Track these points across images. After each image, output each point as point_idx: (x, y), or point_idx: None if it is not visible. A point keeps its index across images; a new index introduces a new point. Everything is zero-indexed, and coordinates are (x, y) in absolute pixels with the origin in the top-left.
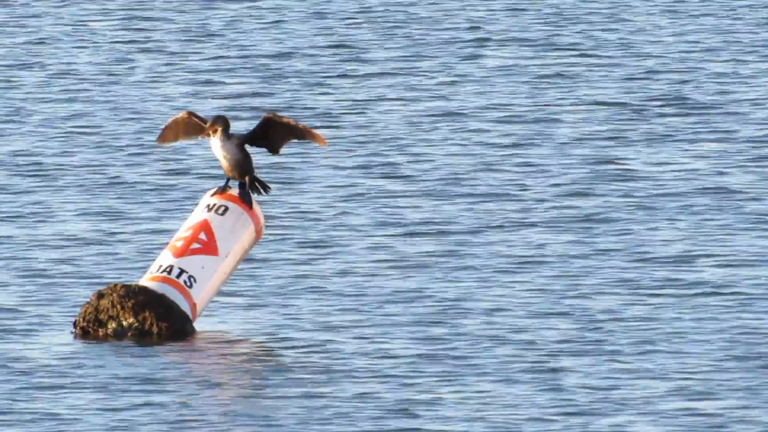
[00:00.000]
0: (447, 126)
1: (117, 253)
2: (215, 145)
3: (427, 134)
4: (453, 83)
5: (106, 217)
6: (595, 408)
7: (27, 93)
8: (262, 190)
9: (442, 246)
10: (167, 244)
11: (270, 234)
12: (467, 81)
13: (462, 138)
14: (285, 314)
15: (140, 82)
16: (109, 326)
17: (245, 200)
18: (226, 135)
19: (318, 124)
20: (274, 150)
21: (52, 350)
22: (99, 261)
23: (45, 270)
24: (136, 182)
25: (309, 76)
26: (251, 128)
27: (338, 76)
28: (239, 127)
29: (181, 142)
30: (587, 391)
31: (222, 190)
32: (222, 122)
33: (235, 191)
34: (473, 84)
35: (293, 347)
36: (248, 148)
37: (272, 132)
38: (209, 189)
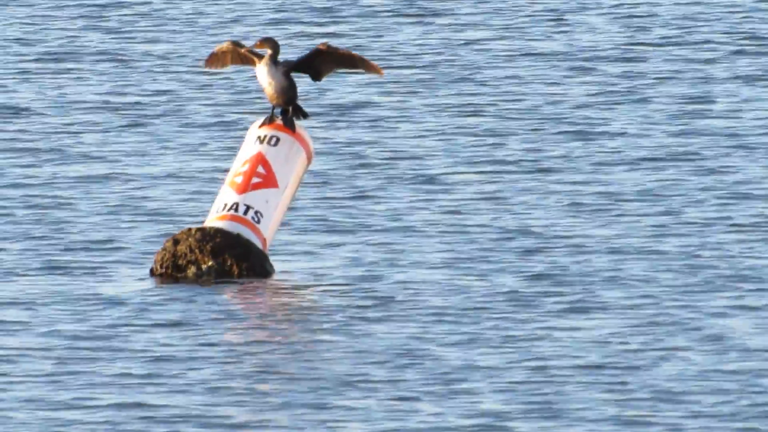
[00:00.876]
0: (541, 64)
1: (184, 190)
2: (261, 70)
3: (520, 71)
4: (555, 25)
5: (178, 156)
6: (690, 345)
7: (109, 35)
8: (300, 116)
9: (532, 183)
10: (225, 180)
11: (360, 172)
12: (567, 24)
13: (555, 77)
14: (375, 252)
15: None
16: (188, 271)
17: (288, 125)
18: (274, 60)
19: (403, 62)
20: (317, 77)
21: (132, 288)
22: (166, 199)
23: (121, 207)
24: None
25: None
26: (300, 57)
27: (426, 14)
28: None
29: (229, 68)
30: (683, 324)
31: (270, 121)
32: (271, 44)
33: (279, 120)
34: (572, 26)
35: (383, 283)
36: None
37: (321, 62)
38: (255, 121)
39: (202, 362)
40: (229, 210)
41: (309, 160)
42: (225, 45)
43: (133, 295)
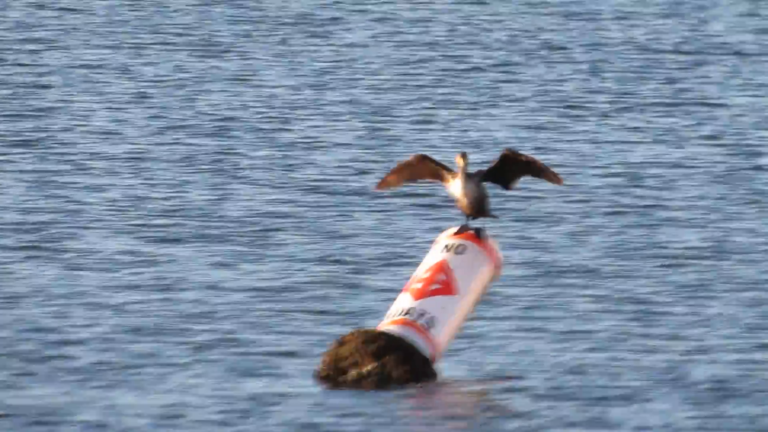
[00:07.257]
0: None
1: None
2: (456, 184)
3: None
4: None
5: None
6: None
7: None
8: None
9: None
10: (406, 285)
11: (516, 273)
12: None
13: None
14: (530, 355)
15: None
16: (350, 373)
17: (480, 236)
18: (467, 172)
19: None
20: (506, 185)
21: (294, 392)
22: (337, 301)
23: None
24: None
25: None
26: (487, 165)
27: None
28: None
29: (399, 187)
30: None
31: (461, 231)
32: (466, 157)
33: (471, 231)
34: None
35: (542, 386)
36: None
37: (508, 169)
38: (446, 229)
39: None
40: (402, 314)
41: (497, 270)
42: (413, 159)
43: (294, 397)
